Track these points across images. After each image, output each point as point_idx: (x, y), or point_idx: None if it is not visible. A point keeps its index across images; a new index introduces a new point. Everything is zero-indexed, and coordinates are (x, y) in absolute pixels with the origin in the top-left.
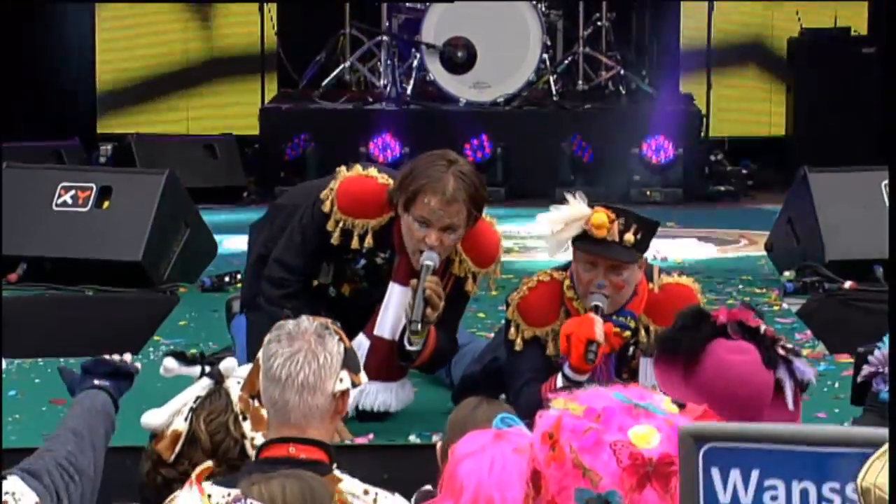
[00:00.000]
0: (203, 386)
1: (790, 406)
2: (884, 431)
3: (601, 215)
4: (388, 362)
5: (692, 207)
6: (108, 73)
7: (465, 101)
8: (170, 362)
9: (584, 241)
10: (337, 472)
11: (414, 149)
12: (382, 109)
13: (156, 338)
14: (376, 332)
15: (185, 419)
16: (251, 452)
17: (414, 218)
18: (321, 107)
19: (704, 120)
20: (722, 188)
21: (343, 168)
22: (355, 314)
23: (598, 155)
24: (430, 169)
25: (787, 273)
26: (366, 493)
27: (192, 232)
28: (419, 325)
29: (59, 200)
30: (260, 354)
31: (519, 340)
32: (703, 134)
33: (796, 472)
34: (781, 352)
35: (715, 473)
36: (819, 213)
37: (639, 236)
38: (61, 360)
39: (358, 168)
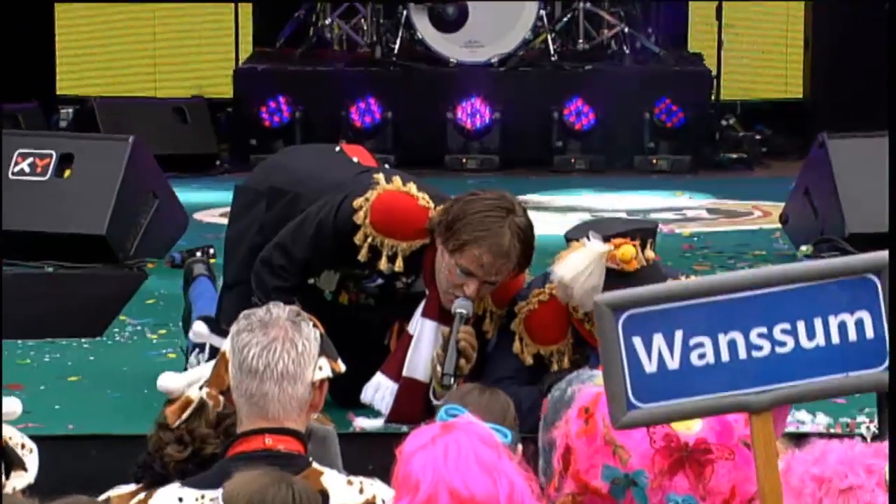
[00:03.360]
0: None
1: None
2: (802, 264)
3: (628, 249)
4: (419, 406)
5: (701, 176)
6: (68, 29)
7: (456, 61)
8: (200, 327)
9: (610, 278)
10: (316, 465)
11: (398, 113)
12: (366, 71)
13: (121, 318)
14: (406, 372)
15: (200, 388)
16: None
17: (458, 264)
18: (300, 68)
19: (715, 81)
20: (734, 156)
21: (381, 177)
22: (347, 327)
23: (599, 119)
24: (487, 219)
25: (803, 248)
26: (349, 483)
27: (160, 203)
28: (452, 379)
29: (16, 169)
30: (227, 347)
31: (526, 355)
32: (713, 97)
33: (720, 324)
34: None
35: (637, 343)
36: (839, 183)
37: (654, 247)
38: (18, 342)
39: (398, 181)
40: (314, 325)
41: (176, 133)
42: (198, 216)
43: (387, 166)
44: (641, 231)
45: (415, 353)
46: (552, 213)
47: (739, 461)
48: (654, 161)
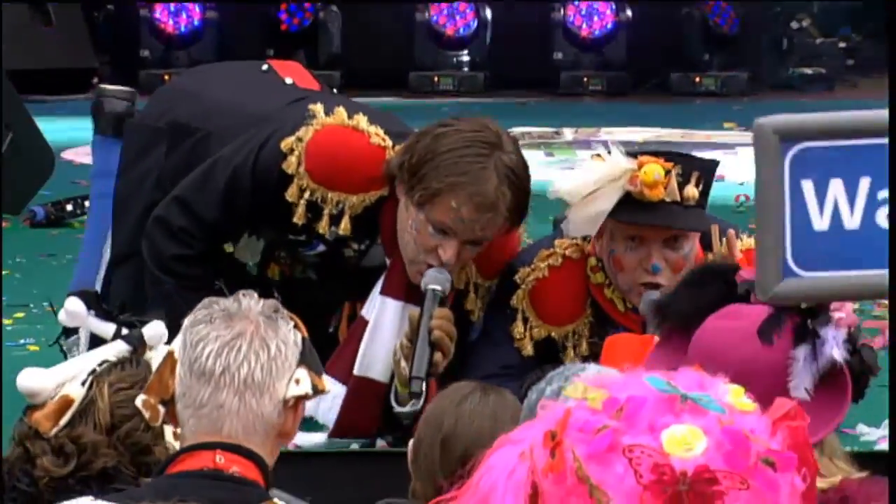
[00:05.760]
0: (115, 351)
1: (794, 392)
2: None
3: (654, 168)
4: (374, 415)
5: (762, 99)
6: None
7: None
8: (74, 304)
9: (627, 208)
10: (277, 499)
11: (346, 13)
12: None
13: None
14: (359, 370)
15: (83, 384)
16: (172, 447)
17: (429, 220)
18: None
19: None
20: (808, 71)
21: (319, 108)
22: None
23: (622, 22)
24: (464, 158)
25: None
26: None
27: (16, 138)
28: (423, 384)
29: None
30: (176, 343)
31: (527, 341)
32: None
33: None
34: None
35: (807, 188)
36: None
37: (700, 187)
38: None
39: (342, 113)
40: (295, 327)
41: (39, 41)
42: (68, 155)
43: (334, 91)
44: (688, 159)
45: (371, 345)
46: (557, 151)
47: (760, 488)
48: (698, 80)
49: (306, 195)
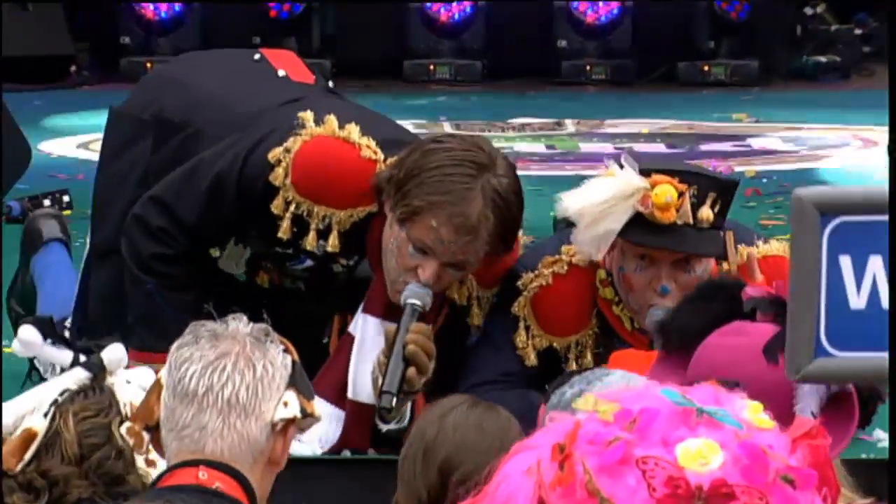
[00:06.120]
0: (75, 379)
1: (800, 414)
2: None
3: (667, 189)
4: (364, 437)
5: (774, 89)
6: None
7: None
8: (28, 333)
9: (637, 229)
10: None
11: None
12: None
13: None
14: (351, 394)
15: (46, 416)
16: (146, 474)
17: (409, 238)
18: None
19: None
20: (822, 59)
21: (309, 116)
22: (272, 315)
23: (627, 7)
24: (449, 177)
25: None
26: None
27: None
28: (393, 399)
29: None
30: (163, 370)
31: (531, 350)
32: None
33: None
34: None
35: (846, 264)
36: None
37: (716, 208)
38: None
39: (332, 123)
40: (286, 351)
41: (14, 27)
42: (45, 147)
43: (331, 85)
44: (706, 178)
45: (360, 366)
46: (558, 143)
47: None
48: (707, 68)
49: (292, 208)
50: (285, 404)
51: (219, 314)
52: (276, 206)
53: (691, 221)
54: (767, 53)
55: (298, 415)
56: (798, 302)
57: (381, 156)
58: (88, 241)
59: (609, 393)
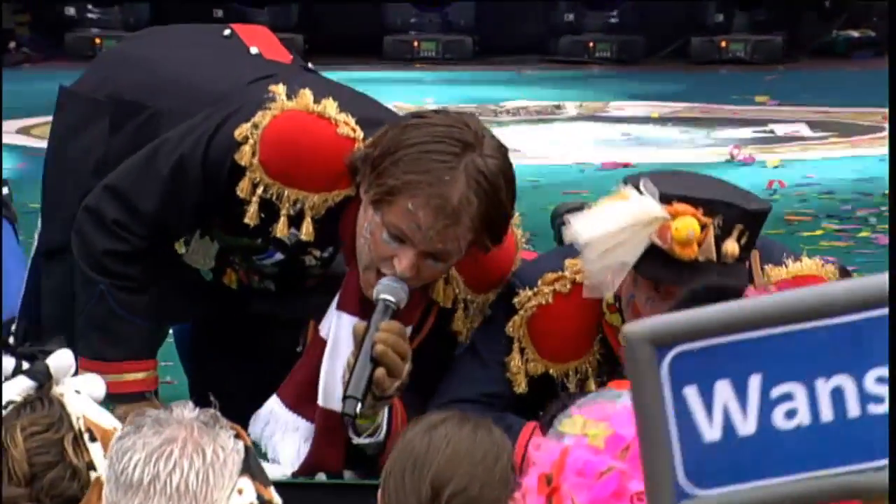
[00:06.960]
0: (19, 389)
1: None
2: None
3: (689, 223)
4: (338, 449)
5: (799, 68)
6: None
7: None
8: None
9: (653, 262)
10: None
11: None
12: None
13: None
14: (322, 401)
15: None
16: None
17: (384, 224)
18: None
19: None
20: (855, 33)
21: (281, 89)
22: (240, 322)
23: None
24: (428, 155)
25: None
26: None
27: None
28: (357, 405)
29: None
30: (102, 466)
31: (522, 376)
32: None
33: (821, 363)
34: None
35: (692, 396)
36: None
37: (743, 240)
38: None
39: (307, 97)
40: (237, 436)
41: None
42: None
43: (310, 65)
44: (732, 208)
45: (332, 371)
46: (559, 125)
47: None
48: (725, 44)
49: (259, 191)
50: (240, 492)
51: (182, 320)
52: (241, 189)
53: (714, 258)
54: (793, 27)
55: (255, 502)
56: (647, 444)
57: (360, 134)
58: (36, 238)
59: (596, 408)
